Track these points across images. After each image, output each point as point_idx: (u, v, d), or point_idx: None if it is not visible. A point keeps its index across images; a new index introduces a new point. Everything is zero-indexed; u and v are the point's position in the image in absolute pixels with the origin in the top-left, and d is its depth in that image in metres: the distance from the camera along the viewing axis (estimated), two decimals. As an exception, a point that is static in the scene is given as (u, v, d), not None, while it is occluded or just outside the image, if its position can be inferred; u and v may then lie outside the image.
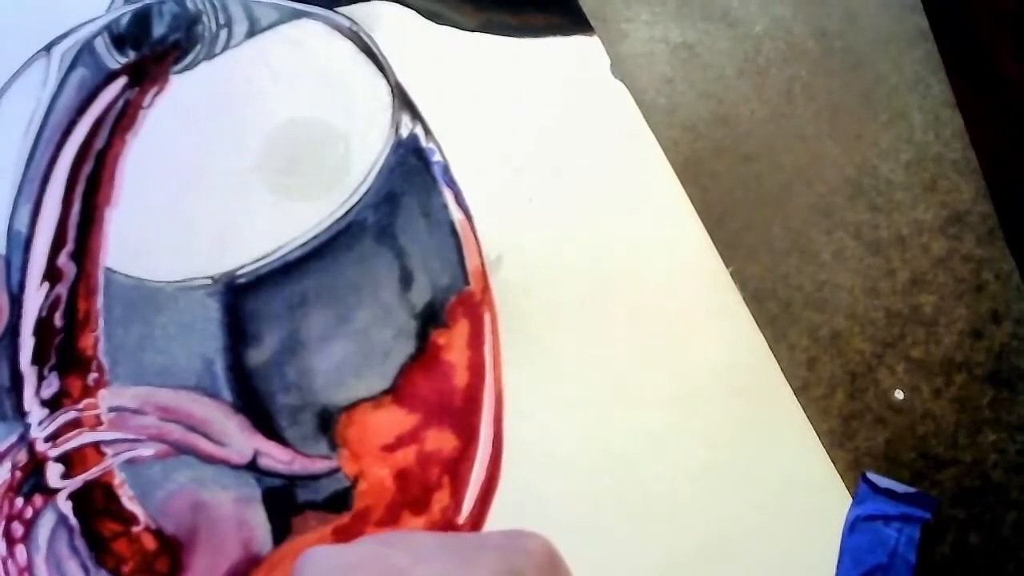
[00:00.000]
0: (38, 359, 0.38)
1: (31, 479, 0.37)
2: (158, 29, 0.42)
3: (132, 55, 0.41)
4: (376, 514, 0.37)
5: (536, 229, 0.42)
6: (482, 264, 0.41)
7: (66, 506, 0.37)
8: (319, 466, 0.38)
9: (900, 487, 0.41)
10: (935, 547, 0.41)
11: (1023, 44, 0.47)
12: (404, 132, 0.42)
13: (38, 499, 0.37)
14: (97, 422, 0.37)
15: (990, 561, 0.41)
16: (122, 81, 0.41)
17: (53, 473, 0.37)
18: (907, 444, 0.42)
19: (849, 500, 0.41)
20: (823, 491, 0.41)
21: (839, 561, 0.40)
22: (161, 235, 0.40)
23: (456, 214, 0.41)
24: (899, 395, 0.42)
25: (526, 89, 0.44)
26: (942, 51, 0.46)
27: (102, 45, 0.41)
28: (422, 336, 0.40)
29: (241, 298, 0.39)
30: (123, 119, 0.40)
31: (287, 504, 0.37)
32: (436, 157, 0.42)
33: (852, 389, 0.42)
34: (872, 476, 0.41)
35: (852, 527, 0.41)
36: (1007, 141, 0.46)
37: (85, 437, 0.37)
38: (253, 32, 0.42)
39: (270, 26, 0.42)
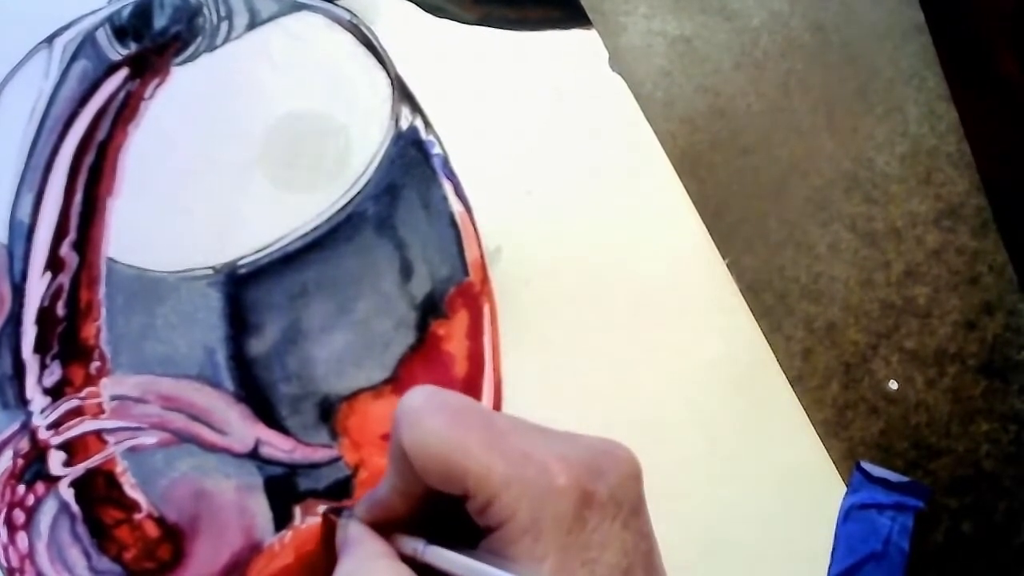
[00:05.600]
0: (40, 348, 0.38)
1: (33, 467, 0.37)
2: (159, 21, 0.42)
3: (133, 47, 0.41)
4: (377, 502, 0.38)
5: (535, 221, 0.43)
6: (481, 255, 0.41)
7: (68, 493, 0.37)
8: (320, 455, 0.38)
9: (894, 476, 0.42)
10: (928, 535, 0.42)
11: (1022, 45, 0.47)
12: (404, 124, 0.42)
13: (40, 487, 0.37)
14: (99, 410, 0.38)
15: (982, 549, 0.42)
16: (124, 73, 0.41)
17: (55, 461, 0.37)
18: (901, 434, 0.43)
19: (843, 489, 0.42)
20: (818, 480, 0.42)
21: (833, 549, 0.41)
22: (163, 225, 0.40)
23: (456, 206, 0.42)
24: (893, 385, 0.43)
25: (525, 82, 0.44)
26: (938, 47, 0.46)
27: (103, 37, 0.41)
28: (422, 327, 0.40)
29: (242, 288, 0.39)
30: (125, 110, 0.41)
31: (289, 492, 0.38)
32: (436, 149, 0.42)
33: (847, 379, 0.43)
34: (866, 465, 0.42)
35: (846, 516, 0.41)
36: (1002, 137, 0.47)
37: (87, 425, 0.38)
38: (254, 24, 0.42)
39: (270, 18, 0.43)
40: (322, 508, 0.38)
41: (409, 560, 0.30)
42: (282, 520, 0.38)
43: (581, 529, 0.27)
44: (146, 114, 0.41)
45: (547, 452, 0.28)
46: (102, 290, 0.39)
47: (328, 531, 0.37)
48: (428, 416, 0.29)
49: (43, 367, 0.38)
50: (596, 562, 0.27)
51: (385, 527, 0.32)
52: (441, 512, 0.30)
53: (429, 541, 0.30)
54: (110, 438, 0.38)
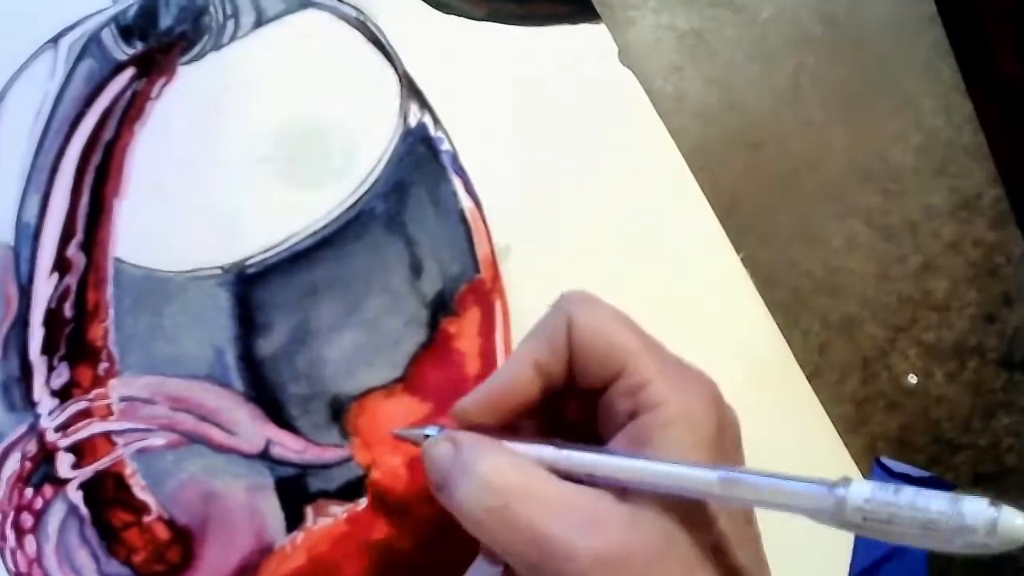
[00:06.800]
0: (48, 349, 0.38)
1: (41, 469, 0.37)
2: (165, 20, 0.42)
3: (139, 46, 0.41)
4: (390, 501, 0.37)
5: (545, 217, 0.42)
6: (492, 252, 0.41)
7: (76, 496, 0.37)
8: (331, 455, 0.38)
9: (915, 472, 0.41)
10: (950, 532, 0.41)
11: (1022, 43, 0.47)
12: (412, 121, 0.42)
13: (48, 489, 0.37)
14: (108, 412, 0.37)
15: (1006, 546, 0.41)
16: (130, 72, 0.41)
17: (63, 463, 0.37)
18: (921, 429, 0.42)
19: (864, 485, 0.41)
20: (838, 476, 0.41)
21: (854, 546, 0.40)
22: (170, 225, 0.39)
23: (465, 202, 0.41)
24: (912, 380, 0.42)
25: (534, 78, 0.44)
26: (950, 40, 0.46)
27: (109, 37, 0.41)
28: (432, 325, 0.40)
29: (251, 288, 0.39)
30: (131, 110, 0.40)
31: (300, 493, 0.37)
32: (445, 146, 0.42)
33: (865, 374, 0.42)
34: (886, 461, 0.41)
35: (867, 512, 0.40)
36: (1013, 133, 0.46)
37: (95, 427, 0.37)
38: (260, 22, 0.42)
39: (277, 16, 0.42)
40: (396, 430, 0.35)
41: None
42: (293, 521, 0.37)
43: (721, 441, 0.29)
44: (152, 114, 0.40)
45: (692, 368, 0.30)
46: (110, 291, 0.38)
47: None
48: (600, 301, 0.31)
49: (51, 369, 0.37)
50: None
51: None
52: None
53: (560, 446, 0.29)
54: (119, 440, 0.37)
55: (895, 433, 0.42)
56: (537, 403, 0.31)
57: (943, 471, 0.41)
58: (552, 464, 0.29)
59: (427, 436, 0.32)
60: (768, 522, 0.40)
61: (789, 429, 0.41)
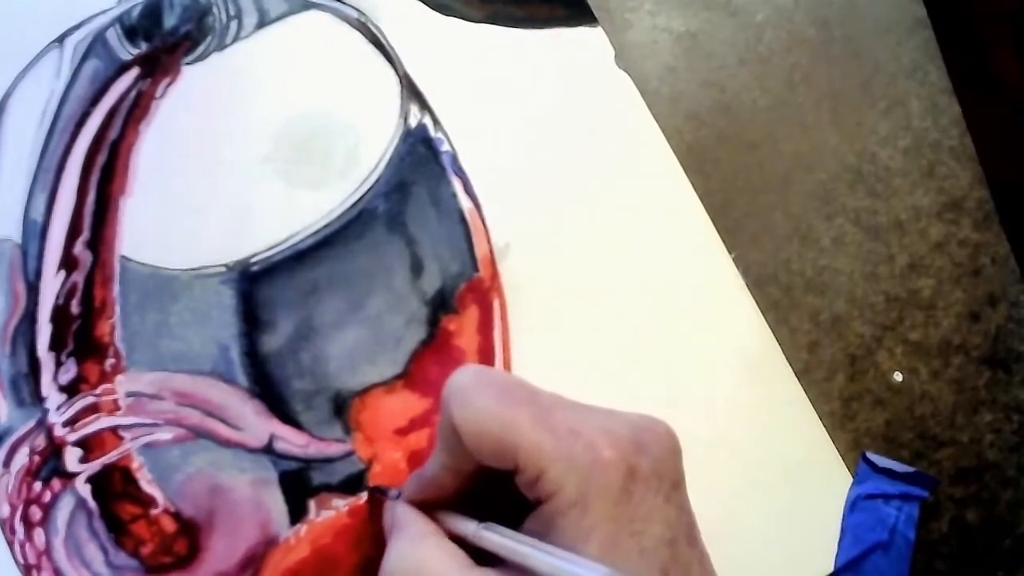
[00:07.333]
0: (55, 345, 0.38)
1: (49, 463, 0.37)
2: (169, 21, 0.42)
3: (144, 46, 0.42)
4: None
5: (543, 217, 0.43)
6: (491, 251, 0.42)
7: (85, 489, 0.37)
8: (334, 449, 0.39)
9: (899, 466, 0.42)
10: (932, 524, 0.42)
11: (1023, 45, 0.48)
12: (413, 122, 0.43)
13: (56, 483, 0.37)
14: (115, 407, 0.38)
15: (987, 538, 0.43)
16: (134, 72, 0.41)
17: (71, 457, 0.38)
18: (906, 425, 0.43)
19: (850, 480, 0.42)
20: (824, 471, 0.42)
21: (840, 539, 0.41)
22: (175, 224, 0.40)
23: (465, 203, 0.42)
24: (898, 377, 0.43)
25: (532, 80, 0.45)
26: (939, 41, 0.47)
27: (114, 36, 0.41)
28: (433, 322, 0.41)
29: (255, 285, 0.40)
30: (136, 110, 0.41)
31: (303, 486, 0.38)
32: (444, 147, 0.43)
33: (852, 371, 0.43)
34: (872, 456, 0.42)
35: (853, 506, 0.42)
36: (1003, 133, 0.47)
37: (103, 422, 0.38)
38: (263, 23, 0.43)
39: (279, 17, 0.43)
40: (369, 486, 0.38)
41: (458, 539, 0.30)
42: (297, 514, 0.38)
43: (627, 501, 0.28)
44: (157, 113, 0.41)
45: (592, 427, 0.29)
46: (116, 288, 0.39)
47: (374, 509, 0.38)
48: (477, 394, 0.29)
49: (58, 364, 0.38)
50: (643, 534, 0.28)
51: (434, 506, 0.32)
52: (489, 487, 0.31)
53: (481, 521, 0.30)
54: (126, 434, 0.38)
55: (881, 429, 0.43)
56: (469, 486, 0.31)
57: (927, 466, 0.43)
58: (476, 543, 0.30)
59: (387, 497, 0.35)
60: (754, 515, 0.41)
61: (778, 425, 0.42)
